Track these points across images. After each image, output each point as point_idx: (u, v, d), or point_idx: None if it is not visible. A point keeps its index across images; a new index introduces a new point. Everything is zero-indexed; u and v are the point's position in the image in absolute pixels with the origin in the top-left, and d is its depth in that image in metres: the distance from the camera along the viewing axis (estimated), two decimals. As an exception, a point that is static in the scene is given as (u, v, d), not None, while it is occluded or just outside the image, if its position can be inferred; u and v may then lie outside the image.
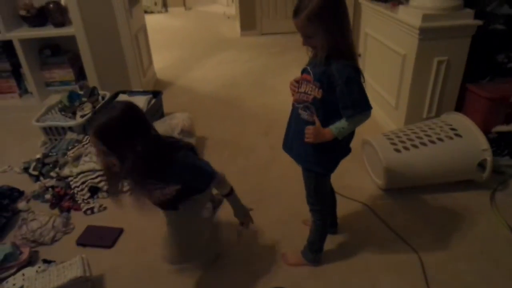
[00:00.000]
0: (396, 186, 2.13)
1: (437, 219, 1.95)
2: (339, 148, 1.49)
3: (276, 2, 5.46)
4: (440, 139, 2.06)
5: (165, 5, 7.49)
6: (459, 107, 2.54)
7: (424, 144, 2.05)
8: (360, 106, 1.31)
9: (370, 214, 2.01)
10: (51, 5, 3.03)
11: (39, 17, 3.10)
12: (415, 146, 2.06)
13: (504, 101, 2.40)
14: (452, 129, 2.10)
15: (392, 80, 2.63)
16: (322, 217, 1.63)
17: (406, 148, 2.05)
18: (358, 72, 1.32)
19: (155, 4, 7.35)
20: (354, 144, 2.63)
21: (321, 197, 1.59)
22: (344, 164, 2.37)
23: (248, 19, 5.51)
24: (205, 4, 8.20)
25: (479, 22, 2.22)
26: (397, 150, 2.06)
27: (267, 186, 2.27)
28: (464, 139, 2.04)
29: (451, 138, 2.06)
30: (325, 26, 1.25)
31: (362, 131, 2.73)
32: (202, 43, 5.35)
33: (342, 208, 2.05)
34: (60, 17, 3.07)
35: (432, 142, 2.05)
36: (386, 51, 2.69)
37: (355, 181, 2.26)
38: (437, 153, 2.03)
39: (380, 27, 2.78)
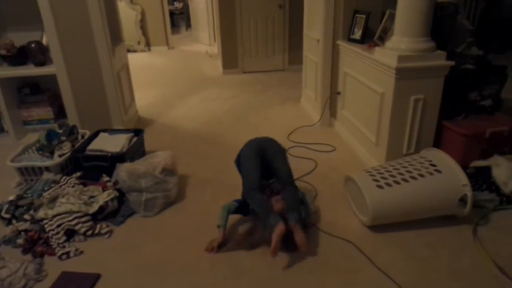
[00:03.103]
0: (380, 223, 2.12)
1: (422, 255, 1.93)
2: None
3: (257, 41, 5.63)
4: (421, 175, 2.09)
5: (148, 44, 7.61)
6: (437, 144, 2.61)
7: (405, 180, 2.07)
8: None
9: (354, 251, 1.98)
10: (32, 45, 3.03)
11: (20, 57, 3.08)
12: (397, 182, 2.07)
13: (480, 137, 2.48)
14: (432, 164, 2.14)
15: (371, 117, 2.70)
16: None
17: (388, 185, 2.07)
18: None
19: (138, 43, 7.47)
20: (337, 180, 2.66)
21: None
22: (328, 200, 2.40)
23: (230, 58, 5.64)
24: (188, 43, 8.39)
25: (451, 63, 2.34)
26: (380, 187, 2.07)
27: (250, 225, 2.23)
28: (444, 174, 2.08)
29: (431, 173, 2.09)
30: None
31: (344, 168, 2.79)
32: (184, 81, 5.41)
33: (328, 246, 2.02)
34: (41, 56, 3.06)
35: (413, 178, 2.08)
36: (365, 89, 2.77)
37: (339, 218, 2.25)
38: (419, 189, 2.05)
39: (358, 67, 2.89)
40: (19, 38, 3.15)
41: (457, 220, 2.15)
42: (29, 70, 3.05)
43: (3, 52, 3.04)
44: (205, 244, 2.04)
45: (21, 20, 3.20)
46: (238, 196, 2.28)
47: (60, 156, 2.61)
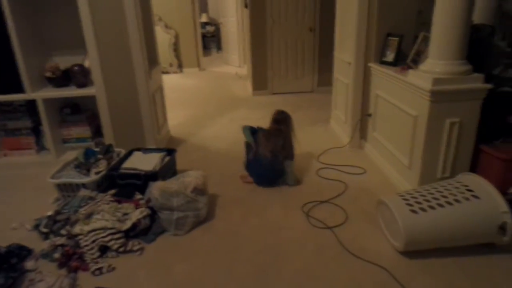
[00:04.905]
0: (414, 249, 2.05)
1: (461, 285, 1.85)
2: None
3: (287, 63, 5.70)
4: (457, 200, 2.01)
5: (180, 66, 7.87)
6: (474, 168, 2.52)
7: (441, 205, 2.01)
8: None
9: (388, 277, 1.91)
10: (75, 68, 3.20)
11: (63, 79, 3.26)
12: (432, 207, 2.01)
13: (520, 162, 2.38)
14: (469, 190, 2.06)
15: (404, 140, 2.65)
16: None
17: (423, 209, 2.01)
18: None
19: (171, 65, 7.73)
20: (368, 204, 2.61)
21: None
22: (359, 224, 2.35)
23: (260, 79, 5.73)
24: (218, 65, 8.60)
25: (489, 86, 2.28)
26: (414, 211, 2.01)
27: (279, 247, 2.21)
28: (482, 200, 2.00)
29: (468, 199, 2.02)
30: None
31: (376, 191, 2.74)
32: (214, 101, 5.53)
33: (359, 271, 1.97)
34: (83, 78, 3.23)
35: (449, 203, 2.01)
36: (397, 112, 2.74)
37: (371, 243, 2.19)
38: (455, 215, 1.98)
39: (390, 89, 2.86)
40: (64, 61, 3.34)
41: (496, 248, 2.05)
42: (71, 92, 3.22)
43: (49, 74, 3.23)
44: (234, 264, 2.04)
45: (66, 45, 3.39)
46: (267, 217, 2.27)
47: (96, 173, 2.70)
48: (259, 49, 5.58)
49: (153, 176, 2.60)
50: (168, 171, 2.85)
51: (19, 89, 3.11)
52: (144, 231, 2.33)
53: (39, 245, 2.25)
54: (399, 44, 2.95)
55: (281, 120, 2.93)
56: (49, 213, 2.45)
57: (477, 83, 2.29)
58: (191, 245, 2.25)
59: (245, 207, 2.64)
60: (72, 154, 3.05)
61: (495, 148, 2.46)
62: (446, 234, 2.00)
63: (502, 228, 1.98)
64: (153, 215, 2.41)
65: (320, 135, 3.99)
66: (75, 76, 3.23)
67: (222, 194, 2.81)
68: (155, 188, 2.37)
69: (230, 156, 3.52)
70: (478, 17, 2.78)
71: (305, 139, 3.88)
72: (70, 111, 3.44)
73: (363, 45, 3.22)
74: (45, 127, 3.27)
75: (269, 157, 2.80)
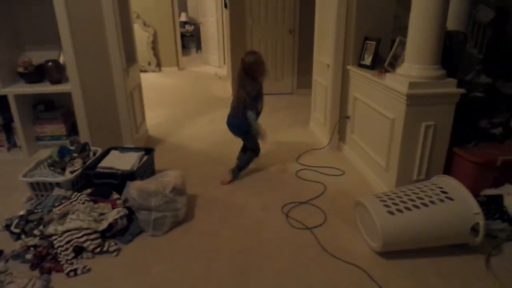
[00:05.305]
0: (390, 249, 2.09)
1: (434, 285, 1.90)
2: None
3: (267, 64, 5.67)
4: (432, 202, 2.07)
5: (158, 65, 7.76)
6: (447, 171, 2.60)
7: (417, 206, 2.06)
8: None
9: (365, 277, 1.95)
10: (49, 63, 3.11)
11: (36, 74, 3.16)
12: (408, 208, 2.06)
13: (491, 165, 2.47)
14: (443, 191, 2.12)
15: (381, 142, 2.70)
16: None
17: (399, 211, 2.05)
18: None
19: (149, 63, 7.61)
20: (346, 205, 2.64)
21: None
22: (337, 225, 2.38)
23: (240, 80, 5.71)
24: (197, 65, 8.54)
25: (462, 90, 2.36)
26: (391, 213, 2.05)
27: (259, 247, 2.21)
28: (456, 202, 2.06)
29: (442, 201, 2.08)
30: None
31: (354, 192, 2.78)
32: (193, 101, 5.48)
33: (337, 272, 1.99)
34: (57, 74, 3.13)
35: (425, 204, 2.06)
36: (375, 114, 2.79)
37: (349, 243, 2.22)
38: (430, 216, 2.03)
39: (368, 92, 2.92)
40: (38, 57, 3.24)
41: (469, 249, 2.12)
42: (45, 88, 3.12)
43: (21, 69, 3.12)
44: (213, 265, 2.03)
45: (40, 39, 3.29)
46: (247, 218, 2.26)
47: (71, 172, 2.63)
48: (239, 50, 5.56)
49: (130, 175, 2.55)
50: (146, 170, 2.80)
51: (-11, 84, 3.00)
52: (121, 232, 2.28)
53: (10, 245, 2.17)
54: (377, 48, 3.01)
55: (246, 66, 2.85)
56: (21, 212, 2.36)
57: (451, 87, 2.37)
58: (170, 246, 2.22)
59: (225, 207, 2.62)
60: (46, 152, 2.95)
61: (468, 151, 2.55)
62: (422, 235, 2.05)
63: (475, 229, 2.05)
64: (130, 215, 2.36)
65: (300, 137, 4.02)
66: (49, 72, 3.13)
67: (201, 194, 2.79)
68: (133, 188, 2.32)
69: (209, 156, 3.50)
70: (451, 24, 2.87)
71: (284, 140, 3.91)
72: (44, 107, 3.34)
73: (341, 47, 3.27)
74: (17, 124, 3.16)
75: (235, 104, 2.92)
